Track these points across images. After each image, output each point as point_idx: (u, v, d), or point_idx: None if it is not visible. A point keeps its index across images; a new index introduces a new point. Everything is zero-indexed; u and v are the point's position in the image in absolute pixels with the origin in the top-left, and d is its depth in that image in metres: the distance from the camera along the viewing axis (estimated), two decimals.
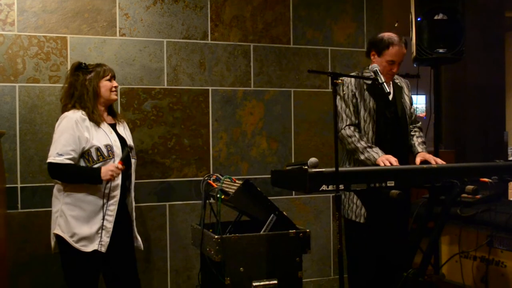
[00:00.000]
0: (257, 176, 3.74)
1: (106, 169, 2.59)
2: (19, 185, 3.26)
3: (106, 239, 2.64)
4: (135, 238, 2.86)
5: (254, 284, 2.37)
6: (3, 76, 3.24)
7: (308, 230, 2.49)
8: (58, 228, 2.63)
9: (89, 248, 2.61)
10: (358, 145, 2.87)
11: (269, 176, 2.76)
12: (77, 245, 2.60)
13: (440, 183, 2.49)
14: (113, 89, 2.78)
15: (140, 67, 3.51)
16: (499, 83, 5.51)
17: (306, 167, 2.28)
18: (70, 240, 2.60)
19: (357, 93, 2.96)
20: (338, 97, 2.92)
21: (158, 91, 3.55)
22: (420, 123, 3.21)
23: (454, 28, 3.52)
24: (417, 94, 3.89)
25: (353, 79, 2.97)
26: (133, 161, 2.82)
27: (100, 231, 2.63)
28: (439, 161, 2.81)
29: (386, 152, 2.81)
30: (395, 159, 2.73)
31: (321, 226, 3.93)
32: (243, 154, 3.74)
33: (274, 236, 2.42)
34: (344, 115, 2.95)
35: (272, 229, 2.45)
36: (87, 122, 2.65)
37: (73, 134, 2.59)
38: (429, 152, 2.97)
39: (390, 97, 3.00)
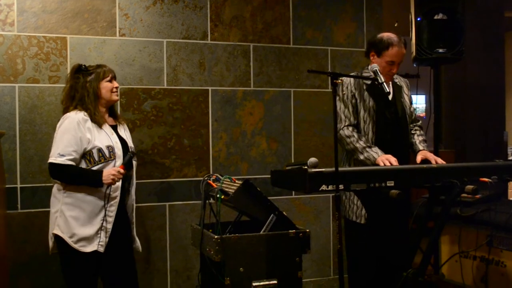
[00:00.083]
0: (257, 176, 3.74)
1: (108, 173, 2.59)
2: (18, 186, 3.26)
3: (104, 239, 2.64)
4: (134, 240, 2.86)
5: (254, 284, 2.37)
6: (3, 76, 3.24)
7: (308, 230, 2.49)
8: (57, 228, 2.63)
9: (88, 248, 2.61)
10: (357, 145, 2.86)
11: (269, 176, 2.76)
12: (76, 246, 2.59)
13: (440, 183, 2.49)
14: (114, 90, 2.78)
15: (140, 67, 3.51)
16: (499, 83, 5.50)
17: (306, 167, 2.28)
18: (69, 241, 2.59)
19: (356, 94, 2.95)
20: (337, 98, 2.92)
21: (158, 91, 3.55)
22: (420, 121, 3.20)
23: (454, 28, 3.52)
24: (417, 94, 3.89)
25: (352, 80, 2.96)
26: (134, 163, 2.82)
27: (99, 232, 2.63)
28: (440, 160, 2.81)
29: (386, 152, 2.80)
30: (395, 159, 2.72)
31: (321, 226, 3.93)
32: (243, 154, 3.74)
33: (274, 236, 2.42)
34: (342, 116, 2.94)
35: (272, 229, 2.45)
36: (89, 123, 2.65)
37: (75, 135, 2.59)
38: (429, 152, 2.97)
39: (390, 97, 3.00)
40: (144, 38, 3.52)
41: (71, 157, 2.58)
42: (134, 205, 2.87)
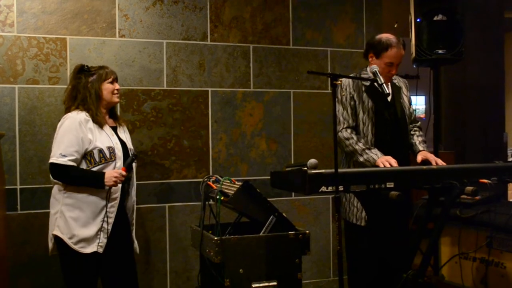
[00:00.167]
0: (257, 177, 3.74)
1: (110, 175, 2.59)
2: (18, 187, 3.26)
3: (104, 240, 2.64)
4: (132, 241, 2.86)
5: (254, 285, 2.37)
6: (2, 77, 3.24)
7: (307, 232, 2.48)
8: (57, 229, 2.63)
9: (88, 249, 2.61)
10: (357, 147, 2.85)
11: (269, 177, 2.76)
12: (75, 247, 2.59)
13: (440, 184, 2.49)
14: (115, 91, 2.78)
15: (139, 68, 3.51)
16: (499, 83, 5.50)
17: (305, 168, 2.28)
18: (69, 242, 2.59)
19: (355, 95, 2.94)
20: (336, 100, 2.91)
21: (158, 92, 3.55)
22: (419, 122, 3.20)
23: (453, 29, 3.52)
24: (416, 95, 3.90)
25: (351, 81, 2.95)
26: (134, 165, 2.82)
27: (99, 233, 2.63)
28: (440, 161, 2.80)
29: (386, 153, 2.80)
30: (395, 160, 2.72)
31: (321, 227, 3.93)
32: (243, 155, 3.74)
33: (274, 238, 2.42)
34: (341, 118, 2.93)
35: (272, 231, 2.45)
36: (91, 124, 2.65)
37: (77, 135, 2.59)
38: (429, 152, 2.97)
39: (389, 98, 2.99)
40: (143, 39, 3.52)
41: (73, 157, 2.58)
42: (135, 206, 2.87)
